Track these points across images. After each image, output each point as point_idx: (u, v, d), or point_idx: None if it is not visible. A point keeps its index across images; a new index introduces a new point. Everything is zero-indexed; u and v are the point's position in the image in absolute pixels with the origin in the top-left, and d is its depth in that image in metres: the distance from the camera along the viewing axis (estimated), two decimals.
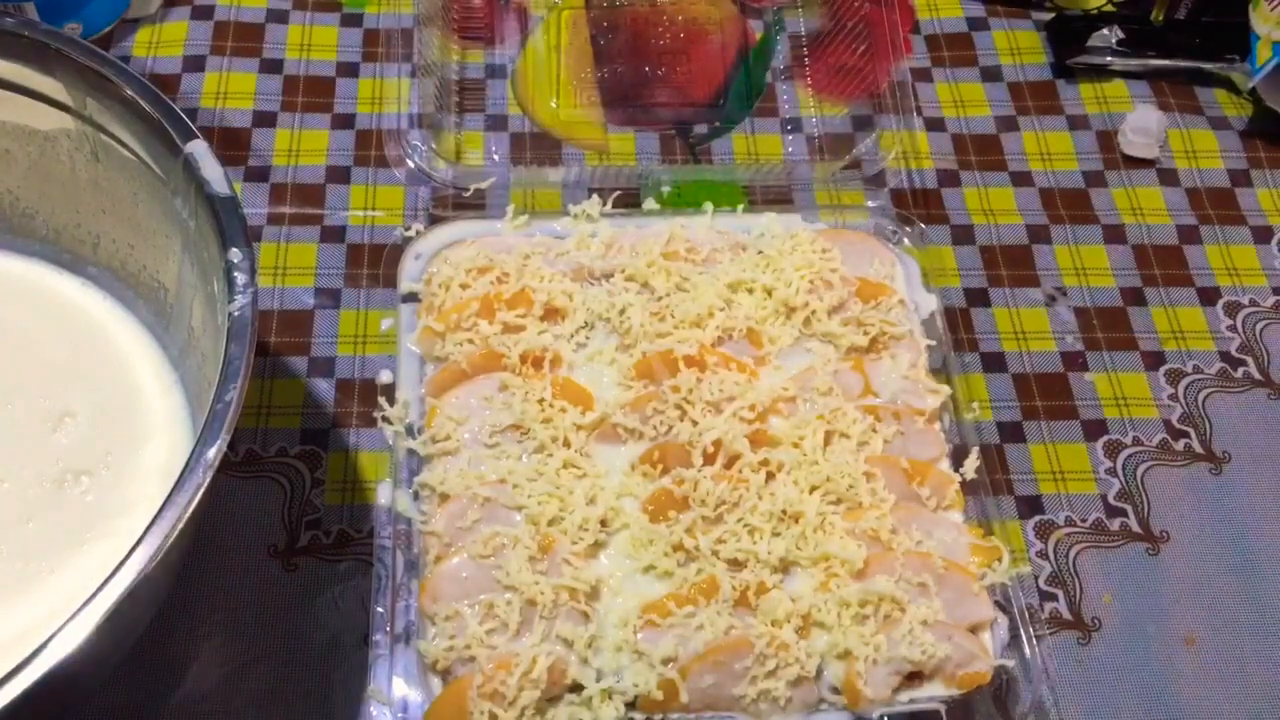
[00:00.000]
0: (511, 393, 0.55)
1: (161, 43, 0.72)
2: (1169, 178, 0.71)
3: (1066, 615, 0.56)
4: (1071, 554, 0.58)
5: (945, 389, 0.58)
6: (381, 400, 0.58)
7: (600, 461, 0.55)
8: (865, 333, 0.59)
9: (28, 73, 0.51)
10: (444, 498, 0.54)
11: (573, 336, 0.59)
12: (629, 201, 0.65)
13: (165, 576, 0.42)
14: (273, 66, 0.72)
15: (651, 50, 0.74)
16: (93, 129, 0.52)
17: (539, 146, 0.70)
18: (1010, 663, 0.52)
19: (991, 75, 0.75)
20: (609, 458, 0.55)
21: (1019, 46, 0.76)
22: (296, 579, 0.54)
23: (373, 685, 0.51)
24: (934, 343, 0.60)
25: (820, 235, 0.62)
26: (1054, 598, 0.57)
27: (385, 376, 0.59)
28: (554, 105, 0.71)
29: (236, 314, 0.44)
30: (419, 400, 0.57)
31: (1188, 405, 0.63)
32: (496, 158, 0.69)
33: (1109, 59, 0.74)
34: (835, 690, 0.51)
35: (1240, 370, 0.64)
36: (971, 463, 0.57)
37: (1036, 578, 0.57)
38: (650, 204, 0.65)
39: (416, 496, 0.54)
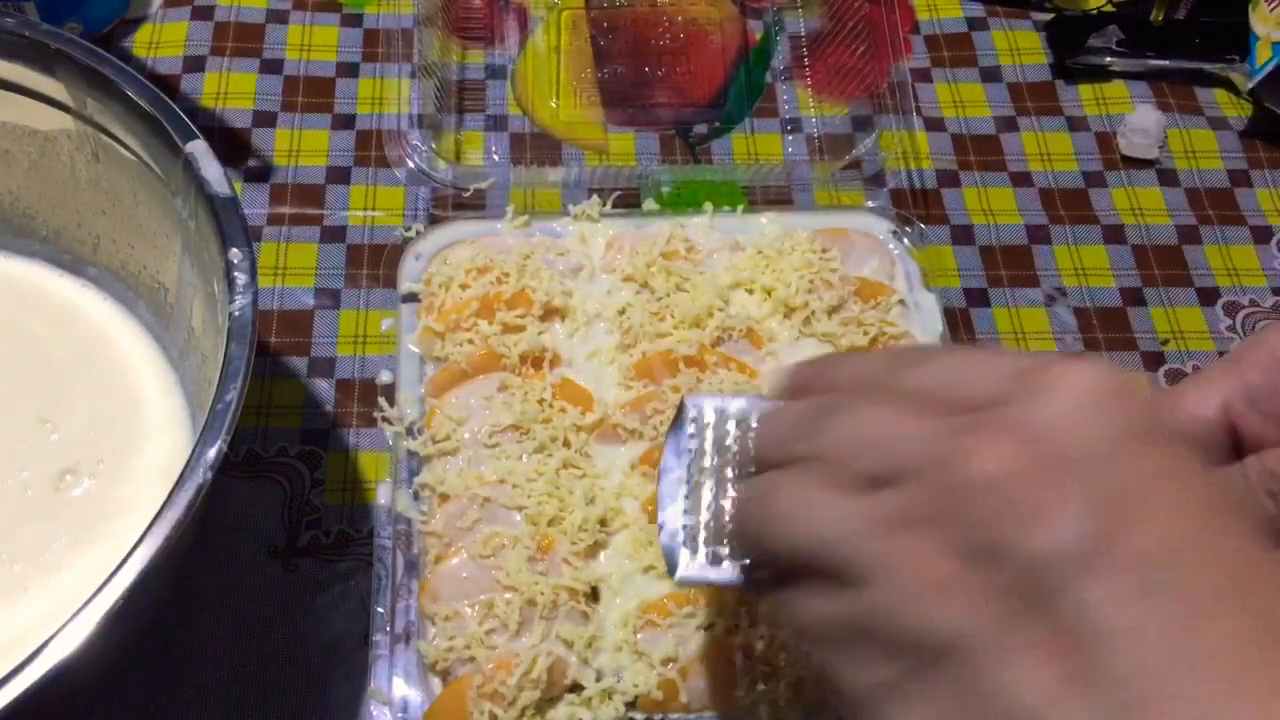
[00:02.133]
0: (511, 393, 0.55)
1: (161, 43, 0.72)
2: (1169, 178, 0.71)
3: None
4: None
5: None
6: (381, 400, 0.58)
7: (600, 461, 0.55)
8: (865, 333, 0.59)
9: (28, 73, 0.51)
10: (444, 498, 0.54)
11: (572, 335, 0.59)
12: (629, 201, 0.65)
13: (165, 577, 0.42)
14: (273, 66, 0.72)
15: (651, 50, 0.74)
16: (93, 129, 0.52)
17: (539, 146, 0.70)
18: None
19: (991, 76, 0.75)
20: (609, 458, 0.55)
21: (1019, 47, 0.76)
22: (296, 579, 0.54)
23: (373, 685, 0.51)
24: (934, 343, 0.60)
25: (820, 235, 0.62)
26: None
27: (385, 376, 0.59)
28: (554, 105, 0.71)
29: (236, 314, 0.44)
30: (419, 400, 0.57)
31: None
32: (496, 158, 0.69)
33: (1108, 59, 0.74)
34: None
35: None
36: None
37: None
38: (650, 204, 0.65)
39: (416, 496, 0.54)
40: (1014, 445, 0.28)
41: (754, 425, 0.41)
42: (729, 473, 0.41)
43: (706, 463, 0.41)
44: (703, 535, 0.40)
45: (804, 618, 0.33)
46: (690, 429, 0.42)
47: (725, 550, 0.40)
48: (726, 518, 0.40)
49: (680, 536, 0.40)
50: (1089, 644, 0.26)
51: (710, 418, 0.42)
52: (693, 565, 0.40)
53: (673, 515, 0.41)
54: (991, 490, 0.28)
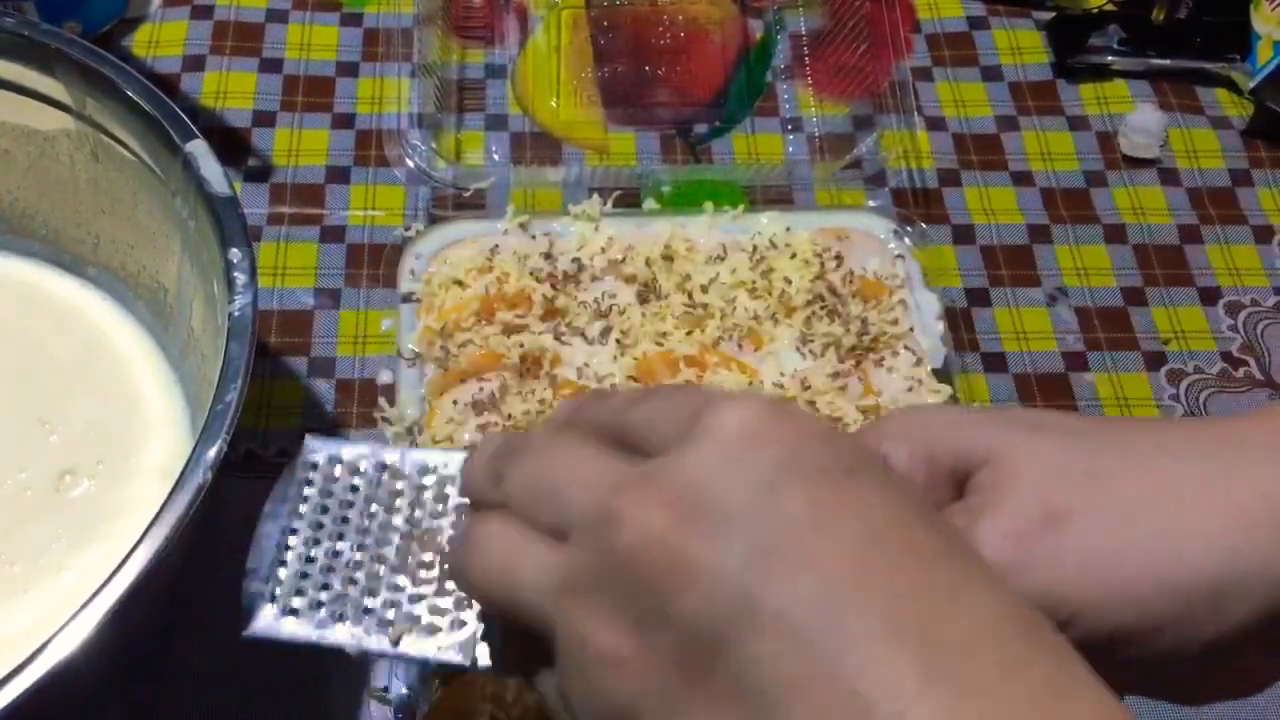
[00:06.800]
0: (511, 393, 0.55)
1: (161, 42, 0.72)
2: (1170, 177, 0.71)
3: None
4: None
5: (946, 389, 0.58)
6: (381, 400, 0.58)
7: None
8: (866, 333, 0.59)
9: (27, 72, 0.51)
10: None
11: (573, 335, 0.59)
12: (629, 201, 0.65)
13: (165, 577, 0.42)
14: (272, 66, 0.72)
15: (651, 50, 0.74)
16: (92, 129, 0.51)
17: (539, 146, 0.70)
18: None
19: (992, 75, 0.75)
20: None
21: (1020, 46, 0.76)
22: None
23: (373, 685, 0.51)
24: (934, 343, 0.60)
25: (820, 234, 0.62)
26: None
27: (385, 377, 0.59)
28: (554, 105, 0.71)
29: (236, 314, 0.44)
30: (419, 400, 0.57)
31: (1189, 406, 0.63)
32: (496, 157, 0.69)
33: (1110, 59, 0.74)
34: None
35: (1241, 370, 0.64)
36: None
37: None
38: (650, 204, 0.65)
39: None
40: (659, 508, 0.28)
41: (372, 471, 0.37)
42: (346, 522, 0.37)
43: (308, 509, 0.37)
44: (293, 590, 0.36)
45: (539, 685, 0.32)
46: (304, 473, 0.37)
47: (319, 613, 0.35)
48: (330, 569, 0.36)
49: (269, 587, 0.36)
50: (754, 701, 0.26)
51: (323, 461, 0.38)
52: (273, 621, 0.35)
53: (264, 564, 0.36)
54: (641, 556, 0.28)
